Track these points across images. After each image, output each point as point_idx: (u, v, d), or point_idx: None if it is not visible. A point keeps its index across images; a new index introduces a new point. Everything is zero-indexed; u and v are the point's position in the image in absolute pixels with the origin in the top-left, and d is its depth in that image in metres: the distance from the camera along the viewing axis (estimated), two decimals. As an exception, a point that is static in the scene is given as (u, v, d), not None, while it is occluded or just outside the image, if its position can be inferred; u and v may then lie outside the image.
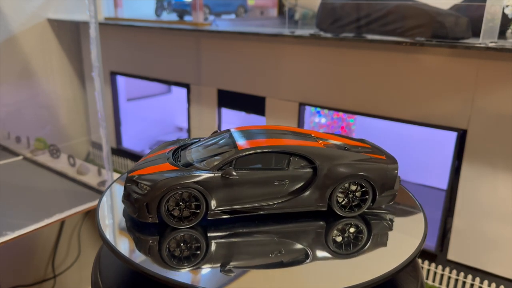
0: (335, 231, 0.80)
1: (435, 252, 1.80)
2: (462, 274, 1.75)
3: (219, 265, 0.69)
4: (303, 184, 0.81)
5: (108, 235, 0.76)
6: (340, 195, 0.81)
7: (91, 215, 2.35)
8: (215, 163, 0.79)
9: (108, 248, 0.73)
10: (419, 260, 1.83)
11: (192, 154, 0.85)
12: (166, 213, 0.75)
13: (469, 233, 1.71)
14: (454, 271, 1.76)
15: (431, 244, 1.81)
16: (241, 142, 0.82)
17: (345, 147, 0.87)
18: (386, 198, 0.83)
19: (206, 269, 0.68)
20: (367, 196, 0.82)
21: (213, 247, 0.73)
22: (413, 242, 0.74)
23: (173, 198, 0.75)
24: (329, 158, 0.81)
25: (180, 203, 0.75)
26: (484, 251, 1.69)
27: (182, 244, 0.73)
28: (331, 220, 0.82)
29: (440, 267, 1.80)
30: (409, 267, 0.80)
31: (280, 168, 0.80)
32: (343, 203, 0.82)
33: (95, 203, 1.81)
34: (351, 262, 0.71)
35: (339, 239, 0.77)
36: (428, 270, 1.83)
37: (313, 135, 0.90)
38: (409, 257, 0.70)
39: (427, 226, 0.79)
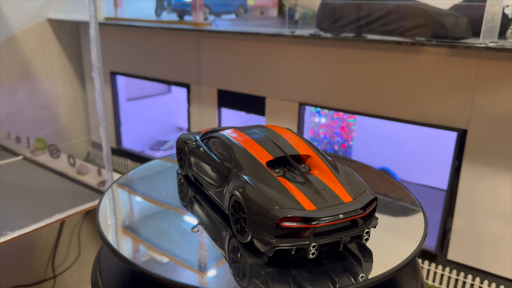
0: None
1: (435, 252, 1.80)
2: (462, 274, 1.75)
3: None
4: (224, 182, 0.79)
5: (108, 235, 0.77)
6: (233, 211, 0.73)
7: (91, 215, 2.35)
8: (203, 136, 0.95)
9: (108, 248, 0.74)
10: (419, 260, 1.83)
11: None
12: (179, 158, 1.00)
13: (469, 233, 1.71)
14: (454, 271, 1.76)
15: (431, 244, 1.81)
16: (229, 130, 0.89)
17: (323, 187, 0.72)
18: (258, 243, 0.67)
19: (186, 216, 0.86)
20: (245, 226, 0.70)
21: (191, 201, 0.91)
22: (413, 242, 0.74)
23: (181, 150, 0.98)
24: (246, 169, 0.74)
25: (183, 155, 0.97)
26: (484, 251, 1.69)
27: (180, 184, 0.98)
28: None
29: (440, 267, 1.80)
30: (409, 267, 0.80)
31: (220, 158, 0.82)
32: (233, 220, 0.73)
33: (95, 203, 1.81)
34: (349, 261, 0.71)
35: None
36: (428, 270, 1.83)
37: (303, 158, 0.80)
38: (409, 257, 0.70)
39: (427, 226, 0.79)
